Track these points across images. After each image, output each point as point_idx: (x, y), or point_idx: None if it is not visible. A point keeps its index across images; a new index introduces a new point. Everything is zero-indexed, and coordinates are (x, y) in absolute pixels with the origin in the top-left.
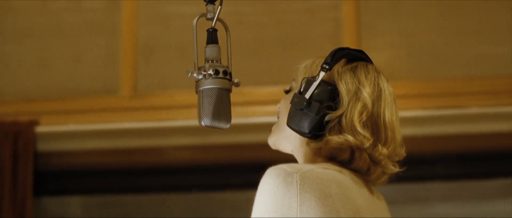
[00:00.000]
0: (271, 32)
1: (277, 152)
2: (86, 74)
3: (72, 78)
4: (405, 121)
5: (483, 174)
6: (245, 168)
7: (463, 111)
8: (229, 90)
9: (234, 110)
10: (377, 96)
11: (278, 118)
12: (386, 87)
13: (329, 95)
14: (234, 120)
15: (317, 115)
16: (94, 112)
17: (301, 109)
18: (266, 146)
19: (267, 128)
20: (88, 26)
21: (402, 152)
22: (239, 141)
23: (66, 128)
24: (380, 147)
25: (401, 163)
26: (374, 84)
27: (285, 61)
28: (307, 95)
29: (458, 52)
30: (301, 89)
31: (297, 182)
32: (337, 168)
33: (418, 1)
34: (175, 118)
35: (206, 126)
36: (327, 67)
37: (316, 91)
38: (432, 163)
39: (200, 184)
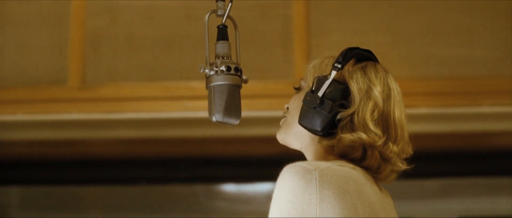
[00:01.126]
0: None
1: (223, 147)
2: (34, 64)
3: (20, 68)
4: None
5: (427, 173)
6: (190, 162)
7: (411, 111)
8: (239, 87)
9: (184, 103)
10: (387, 95)
11: (284, 115)
12: (395, 86)
13: (342, 94)
14: (182, 114)
15: (329, 113)
16: (41, 102)
17: (314, 107)
18: (212, 140)
19: (211, 122)
20: (37, 16)
21: (409, 150)
22: (185, 135)
23: (14, 118)
24: (390, 144)
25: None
26: (384, 84)
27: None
28: (320, 94)
29: (406, 52)
30: (313, 88)
31: (316, 179)
32: (351, 165)
33: (367, 2)
34: (123, 110)
35: (217, 121)
36: (339, 66)
37: (328, 90)
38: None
39: (145, 177)
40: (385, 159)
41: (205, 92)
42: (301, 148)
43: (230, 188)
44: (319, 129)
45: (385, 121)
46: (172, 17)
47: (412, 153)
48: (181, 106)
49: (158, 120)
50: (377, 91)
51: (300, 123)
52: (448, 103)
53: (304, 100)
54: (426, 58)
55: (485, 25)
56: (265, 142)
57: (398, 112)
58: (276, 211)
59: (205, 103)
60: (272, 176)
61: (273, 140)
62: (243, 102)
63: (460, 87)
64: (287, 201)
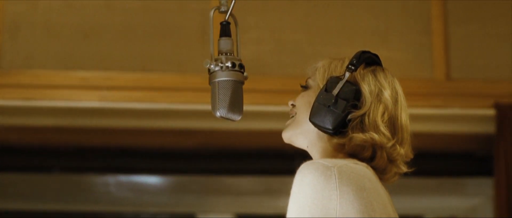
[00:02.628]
0: (139, 18)
1: (139, 138)
2: None
3: None
4: (270, 116)
5: None
6: (105, 152)
7: None
8: (242, 83)
9: (101, 93)
10: (395, 99)
11: (291, 114)
12: (401, 91)
13: (354, 94)
14: (99, 104)
15: (342, 112)
16: None
17: (328, 106)
18: (128, 131)
19: (132, 113)
20: None
21: (410, 153)
22: (101, 125)
23: None
24: (398, 147)
25: (260, 155)
26: (392, 88)
27: (152, 48)
28: (334, 93)
29: (321, 51)
30: (327, 88)
31: (335, 175)
32: (363, 164)
33: (286, 0)
34: (39, 98)
35: (221, 117)
36: (353, 68)
37: (341, 90)
38: (292, 158)
39: (59, 165)
40: (391, 161)
41: (123, 82)
42: (307, 147)
43: (141, 179)
44: (330, 127)
45: (393, 124)
46: (91, 6)
47: (412, 156)
48: (98, 96)
49: (75, 109)
50: (387, 94)
51: (311, 120)
52: None
53: (318, 99)
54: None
55: (400, 28)
56: (182, 134)
57: (404, 116)
58: (297, 206)
59: (122, 93)
60: (184, 169)
61: (188, 132)
62: (160, 94)
63: None
64: (307, 197)
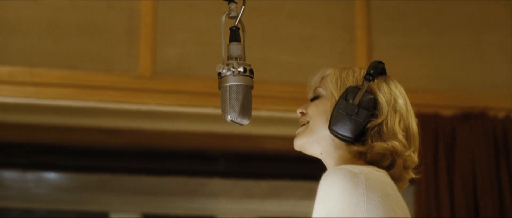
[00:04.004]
0: (67, 15)
1: (63, 135)
2: None
3: None
4: (194, 117)
5: (260, 174)
6: (27, 149)
7: (253, 113)
8: (252, 88)
9: (26, 89)
10: (407, 107)
11: (301, 122)
12: (408, 100)
13: (373, 104)
14: (24, 100)
15: (363, 121)
16: None
17: (351, 115)
18: (52, 128)
19: (57, 110)
20: None
21: (417, 159)
22: (26, 121)
23: None
24: (412, 154)
25: (182, 156)
26: (403, 96)
27: (80, 46)
28: (356, 102)
29: (249, 55)
30: (346, 97)
31: (363, 182)
32: (384, 171)
33: (213, 3)
34: None
35: (231, 121)
36: (371, 78)
37: (362, 99)
38: (216, 159)
39: None
40: (405, 168)
41: (49, 79)
42: (321, 154)
43: (58, 176)
44: (351, 136)
45: (407, 132)
46: (19, 1)
47: (417, 162)
48: (24, 92)
49: (0, 104)
50: (401, 103)
51: (332, 129)
52: (288, 108)
53: (338, 108)
54: (268, 62)
55: (325, 35)
56: (106, 133)
57: (414, 123)
58: (325, 211)
59: (48, 90)
60: (105, 168)
61: (113, 131)
62: (86, 92)
63: (301, 94)
64: (336, 202)
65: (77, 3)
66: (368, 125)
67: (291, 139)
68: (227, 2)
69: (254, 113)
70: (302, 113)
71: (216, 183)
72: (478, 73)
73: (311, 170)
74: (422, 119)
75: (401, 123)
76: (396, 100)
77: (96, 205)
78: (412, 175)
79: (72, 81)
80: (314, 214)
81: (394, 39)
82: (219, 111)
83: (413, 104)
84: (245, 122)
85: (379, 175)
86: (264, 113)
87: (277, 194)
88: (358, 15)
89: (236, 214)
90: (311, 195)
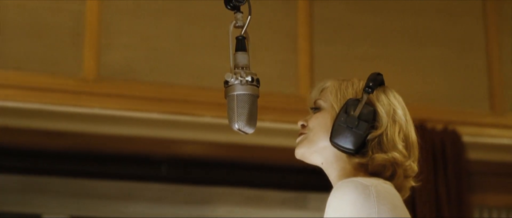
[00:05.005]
0: (13, 16)
1: (11, 137)
2: None
3: None
4: (140, 122)
5: (204, 180)
6: None
7: (195, 119)
8: (258, 97)
9: None
10: (406, 117)
11: (301, 133)
12: (407, 109)
13: (373, 116)
14: None
15: (364, 133)
16: None
17: (351, 128)
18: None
19: (3, 112)
20: None
21: (417, 168)
22: None
23: None
24: (412, 164)
25: (124, 160)
26: (402, 106)
27: (25, 47)
28: (356, 115)
29: (192, 62)
30: (346, 109)
31: (373, 194)
32: (389, 183)
33: (159, 8)
34: None
35: (238, 129)
36: (370, 90)
37: (362, 112)
38: (158, 164)
39: None
40: (406, 177)
41: None
42: (321, 164)
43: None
44: (353, 148)
45: (406, 142)
46: None
47: (417, 171)
48: None
49: None
50: (400, 113)
51: (333, 141)
52: None
53: (339, 120)
54: (211, 69)
55: (268, 44)
56: (49, 135)
57: (413, 132)
58: None
59: None
60: (45, 170)
61: (56, 134)
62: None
63: None
64: (348, 214)
65: (22, 4)
66: (369, 137)
67: (232, 146)
68: (233, 12)
69: (197, 119)
70: (303, 126)
71: (157, 188)
72: (417, 85)
73: (250, 177)
74: None
75: (401, 133)
76: (395, 111)
77: (30, 207)
78: (412, 183)
79: (17, 82)
80: None
81: (336, 50)
82: (163, 116)
83: None
84: (251, 130)
85: (387, 187)
86: (208, 120)
87: (216, 200)
88: (301, 24)
89: None
90: (249, 202)
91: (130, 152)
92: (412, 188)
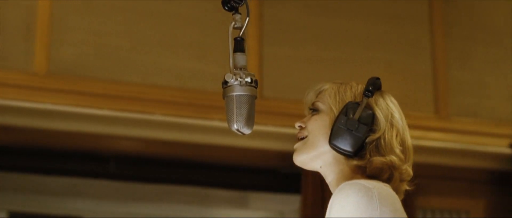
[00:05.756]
0: None
1: None
2: None
3: None
4: (90, 119)
5: (151, 178)
6: None
7: (145, 117)
8: (256, 98)
9: None
10: (402, 122)
11: (299, 136)
12: (402, 114)
13: (372, 119)
14: None
15: (363, 136)
16: None
17: (351, 130)
18: None
19: None
20: None
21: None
22: None
23: None
24: (408, 168)
25: (71, 156)
26: (398, 111)
27: None
28: (356, 118)
29: (142, 59)
30: (346, 112)
31: (376, 196)
32: (388, 185)
33: (110, 5)
34: None
35: (236, 130)
36: (370, 94)
37: (361, 115)
38: (107, 161)
39: None
40: (401, 180)
41: None
42: (320, 167)
43: None
44: (351, 150)
45: (403, 146)
46: None
47: (412, 175)
48: None
49: None
50: (398, 118)
51: (332, 143)
52: (181, 114)
53: (339, 123)
54: (162, 67)
55: (217, 43)
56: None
57: (409, 138)
58: None
59: None
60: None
61: (5, 128)
62: None
63: (193, 99)
64: (351, 215)
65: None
66: (367, 140)
67: (180, 144)
68: (231, 13)
69: (146, 116)
70: (300, 127)
71: (104, 185)
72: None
73: (197, 176)
74: None
75: (398, 137)
76: (393, 115)
77: None
78: (406, 186)
79: None
80: None
81: (284, 51)
82: (112, 113)
83: (298, 115)
84: (248, 131)
85: (388, 190)
86: (157, 117)
87: (163, 197)
88: (250, 25)
89: (98, 215)
90: (195, 200)
91: (78, 148)
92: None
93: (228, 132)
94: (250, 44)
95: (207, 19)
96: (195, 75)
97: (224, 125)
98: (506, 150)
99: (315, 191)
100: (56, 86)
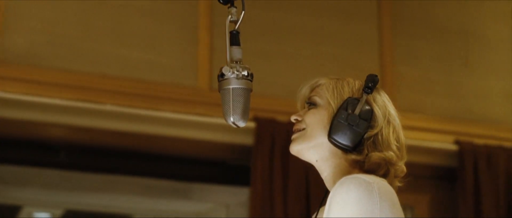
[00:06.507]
0: None
1: None
2: None
3: None
4: (40, 107)
5: (102, 168)
6: None
7: (97, 107)
8: (251, 91)
9: None
10: (397, 118)
11: (297, 128)
12: (397, 112)
13: (371, 115)
14: None
15: (363, 131)
16: None
17: (351, 125)
18: None
19: None
20: None
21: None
22: None
23: None
24: (402, 165)
25: (14, 145)
26: (394, 109)
27: None
28: (357, 113)
29: (94, 49)
30: (347, 108)
31: (376, 191)
32: (386, 181)
33: None
34: None
35: (232, 123)
36: (369, 91)
37: (361, 111)
38: (56, 150)
39: None
40: (395, 177)
41: None
42: (316, 161)
43: None
44: (351, 145)
45: (398, 142)
46: None
47: (405, 171)
48: None
49: None
50: (394, 115)
51: (331, 137)
52: (132, 104)
53: (339, 117)
54: (113, 57)
55: (169, 34)
56: None
57: (402, 134)
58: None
59: None
60: None
61: None
62: None
63: (143, 90)
64: (354, 210)
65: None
66: (365, 135)
67: (131, 135)
68: (227, 6)
69: (98, 106)
70: (297, 120)
71: (54, 174)
72: None
73: (148, 166)
74: (259, 123)
75: (394, 133)
76: (390, 112)
77: None
78: (398, 183)
79: None
80: None
81: None
82: (64, 102)
83: (252, 109)
84: (243, 124)
85: (387, 184)
86: (108, 108)
87: (113, 188)
88: (201, 16)
89: (45, 205)
90: (141, 191)
91: (28, 136)
92: (306, 182)
93: (178, 123)
94: (201, 35)
95: (159, 10)
96: (146, 66)
97: (174, 116)
98: (451, 146)
99: (264, 184)
100: (7, 74)
